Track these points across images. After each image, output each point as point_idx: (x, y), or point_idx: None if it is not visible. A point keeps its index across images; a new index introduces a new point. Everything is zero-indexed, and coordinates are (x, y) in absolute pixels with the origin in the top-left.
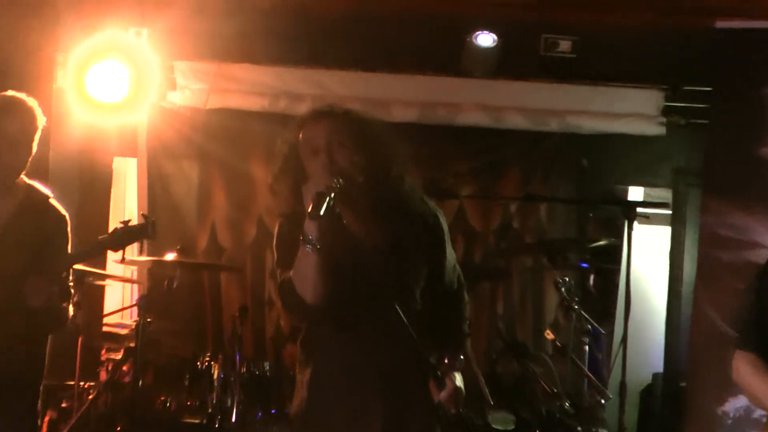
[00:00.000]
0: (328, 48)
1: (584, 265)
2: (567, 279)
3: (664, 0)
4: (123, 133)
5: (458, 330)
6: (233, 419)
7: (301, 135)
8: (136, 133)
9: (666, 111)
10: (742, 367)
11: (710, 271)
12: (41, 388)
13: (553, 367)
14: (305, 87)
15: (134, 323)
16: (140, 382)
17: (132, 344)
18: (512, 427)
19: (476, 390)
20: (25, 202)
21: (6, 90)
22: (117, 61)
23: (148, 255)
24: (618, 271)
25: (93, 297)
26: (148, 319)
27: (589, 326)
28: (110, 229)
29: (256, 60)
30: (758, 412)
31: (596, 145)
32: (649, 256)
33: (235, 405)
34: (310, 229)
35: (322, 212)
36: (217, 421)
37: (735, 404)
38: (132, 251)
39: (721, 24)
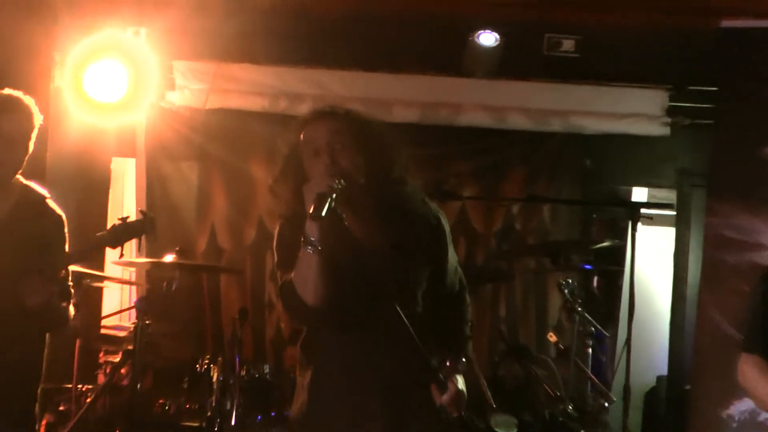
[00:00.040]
0: (329, 48)
1: (588, 266)
2: (570, 281)
3: None
4: (121, 133)
5: (460, 332)
6: (233, 422)
7: (302, 135)
8: (134, 133)
9: (670, 111)
10: (749, 370)
11: (715, 273)
12: (39, 391)
13: (556, 370)
14: (306, 87)
15: (133, 325)
16: (139, 386)
17: (130, 347)
18: (515, 430)
19: (478, 393)
20: (21, 203)
21: (3, 89)
22: (115, 61)
23: (147, 256)
24: (622, 272)
25: (91, 299)
26: (147, 322)
27: (593, 329)
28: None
29: (256, 60)
30: (764, 416)
31: (600, 146)
32: (653, 257)
33: (234, 408)
34: (312, 230)
35: (323, 213)
36: (216, 425)
37: (740, 408)
38: (130, 253)
39: (726, 23)
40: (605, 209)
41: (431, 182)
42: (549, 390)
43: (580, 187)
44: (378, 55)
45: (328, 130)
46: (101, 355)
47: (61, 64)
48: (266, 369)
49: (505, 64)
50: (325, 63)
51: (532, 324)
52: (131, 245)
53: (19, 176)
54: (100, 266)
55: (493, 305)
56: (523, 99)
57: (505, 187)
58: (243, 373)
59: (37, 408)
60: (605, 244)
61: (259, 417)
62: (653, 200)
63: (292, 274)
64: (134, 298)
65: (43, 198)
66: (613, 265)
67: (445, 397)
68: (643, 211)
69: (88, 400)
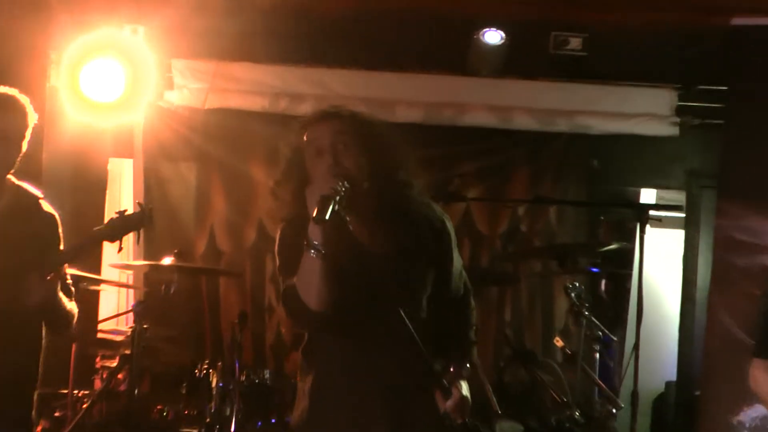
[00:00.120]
0: (330, 46)
1: (595, 269)
2: (577, 284)
3: None
4: (119, 133)
5: (465, 337)
6: (232, 429)
7: (305, 136)
8: (132, 133)
9: (679, 110)
10: (760, 375)
11: (725, 275)
12: (35, 396)
13: (563, 375)
14: (306, 86)
15: (130, 330)
16: (136, 391)
17: (128, 351)
18: None
19: (483, 399)
20: (13, 203)
21: None
22: (112, 59)
23: (145, 259)
24: (630, 275)
25: (88, 302)
26: (145, 326)
27: (600, 333)
28: None
29: (256, 58)
30: None
31: (607, 146)
32: (661, 260)
33: (234, 414)
34: (315, 233)
35: (327, 216)
36: (215, 431)
37: (751, 414)
38: (129, 254)
39: (736, 21)
40: (613, 211)
41: (435, 183)
42: (555, 396)
43: (587, 189)
44: (380, 54)
45: (332, 131)
46: (98, 359)
47: (57, 62)
48: (266, 374)
49: (511, 63)
50: (326, 62)
51: (538, 328)
52: (129, 241)
53: (11, 176)
54: (97, 269)
55: (499, 309)
56: (528, 98)
57: (511, 188)
58: (243, 378)
59: (33, 413)
60: (613, 246)
61: (260, 423)
62: (662, 202)
63: (295, 279)
64: (132, 302)
65: (36, 198)
66: (620, 268)
67: (449, 404)
68: (651, 212)
69: (85, 405)
